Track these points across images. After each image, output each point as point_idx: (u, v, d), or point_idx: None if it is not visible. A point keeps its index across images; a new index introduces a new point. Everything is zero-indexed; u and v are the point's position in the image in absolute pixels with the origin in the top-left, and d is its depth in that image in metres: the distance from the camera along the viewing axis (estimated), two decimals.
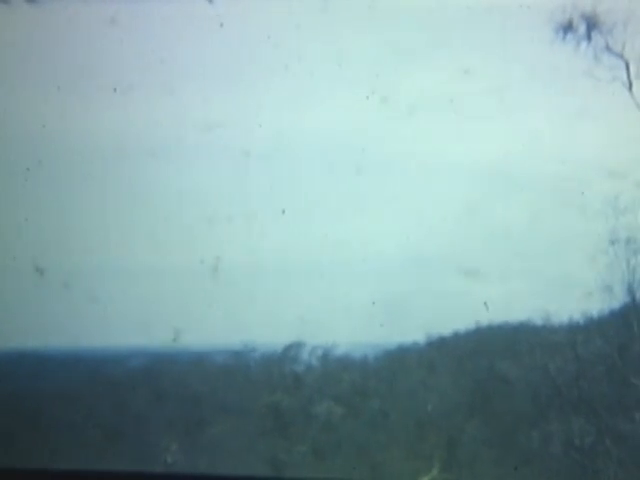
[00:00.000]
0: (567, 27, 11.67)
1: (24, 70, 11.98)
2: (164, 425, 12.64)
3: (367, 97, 11.29)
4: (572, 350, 12.60)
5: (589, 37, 11.73)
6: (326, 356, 13.52)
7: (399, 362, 13.50)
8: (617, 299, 12.40)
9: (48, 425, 12.65)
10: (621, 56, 11.84)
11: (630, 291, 12.43)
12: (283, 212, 11.50)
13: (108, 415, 12.73)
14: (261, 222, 11.68)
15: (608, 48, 11.80)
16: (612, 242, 12.19)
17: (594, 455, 12.26)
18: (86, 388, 13.22)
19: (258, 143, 11.61)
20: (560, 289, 12.02)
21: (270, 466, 12.57)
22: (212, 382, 13.49)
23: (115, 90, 11.32)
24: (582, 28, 11.73)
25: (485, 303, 11.69)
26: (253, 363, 13.54)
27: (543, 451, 12.36)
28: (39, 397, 12.94)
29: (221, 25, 11.08)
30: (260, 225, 11.65)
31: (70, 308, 11.76)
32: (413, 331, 12.68)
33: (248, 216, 11.69)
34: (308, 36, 11.55)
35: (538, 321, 12.75)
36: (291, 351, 13.40)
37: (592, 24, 11.72)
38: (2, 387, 12.71)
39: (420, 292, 12.28)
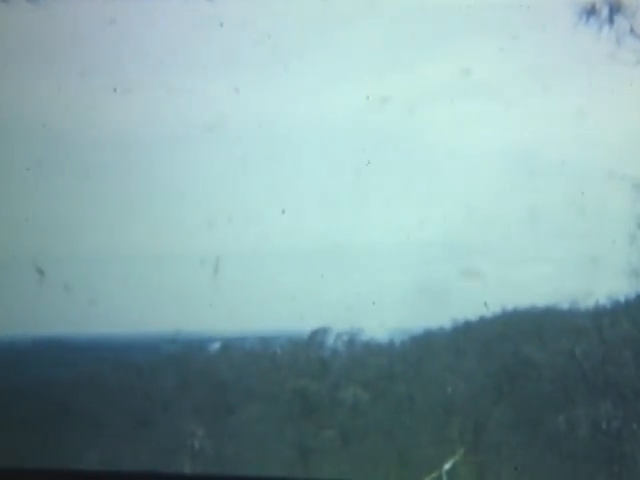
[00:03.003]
0: (590, 11, 11.51)
1: (24, 70, 12.03)
2: (191, 411, 12.78)
3: (367, 97, 11.25)
4: (599, 334, 12.55)
5: (612, 20, 11.56)
6: (352, 341, 13.58)
7: (425, 347, 13.53)
8: None
9: (75, 412, 12.84)
10: None
11: None
12: (283, 212, 11.53)
13: (135, 402, 12.90)
14: (261, 222, 11.71)
15: (632, 31, 11.62)
16: (639, 225, 12.10)
17: (621, 439, 12.24)
18: (113, 375, 13.39)
19: (258, 143, 11.63)
20: (586, 272, 11.94)
21: (297, 451, 12.69)
22: (238, 368, 13.61)
23: (115, 90, 11.32)
24: (605, 11, 11.56)
25: (511, 287, 11.70)
26: (279, 349, 13.64)
27: (570, 435, 12.35)
28: (65, 385, 13.12)
29: (221, 25, 11.05)
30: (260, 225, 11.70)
31: (71, 308, 11.86)
32: (439, 315, 12.70)
33: (248, 216, 11.73)
34: (308, 36, 11.54)
35: (564, 305, 12.72)
36: (317, 337, 13.47)
37: (615, 7, 11.55)
38: (24, 375, 12.90)
39: (445, 277, 12.27)
